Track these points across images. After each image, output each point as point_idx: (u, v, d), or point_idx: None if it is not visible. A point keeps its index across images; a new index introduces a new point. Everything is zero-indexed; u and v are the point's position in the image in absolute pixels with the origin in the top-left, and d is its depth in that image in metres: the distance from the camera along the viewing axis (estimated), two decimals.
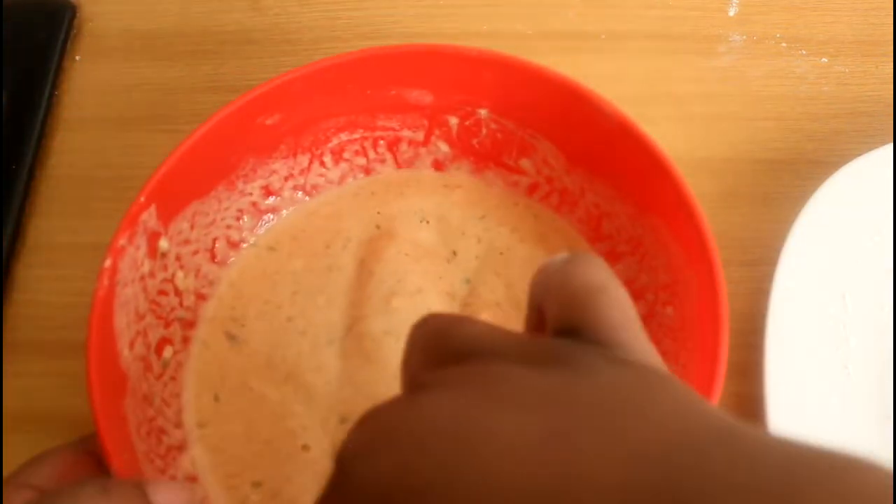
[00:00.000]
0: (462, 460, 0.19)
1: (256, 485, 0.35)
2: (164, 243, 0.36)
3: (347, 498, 0.20)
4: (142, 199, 0.34)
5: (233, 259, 0.40)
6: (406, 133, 0.41)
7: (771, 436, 0.18)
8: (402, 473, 0.19)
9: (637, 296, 0.38)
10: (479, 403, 0.20)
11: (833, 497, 0.16)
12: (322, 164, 0.41)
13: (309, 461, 0.36)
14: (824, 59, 0.47)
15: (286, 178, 0.40)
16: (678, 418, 0.19)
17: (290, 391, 0.37)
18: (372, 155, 0.41)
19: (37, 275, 0.42)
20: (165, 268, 0.37)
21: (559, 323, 0.23)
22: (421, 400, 0.21)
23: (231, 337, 0.38)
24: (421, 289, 0.38)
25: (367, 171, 0.42)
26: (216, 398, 0.37)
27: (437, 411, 0.20)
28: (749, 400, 0.38)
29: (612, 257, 0.39)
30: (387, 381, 0.37)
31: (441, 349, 0.24)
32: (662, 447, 0.17)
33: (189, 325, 0.38)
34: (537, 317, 0.25)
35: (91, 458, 0.31)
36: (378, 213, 0.41)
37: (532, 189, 0.41)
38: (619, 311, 0.23)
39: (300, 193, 0.41)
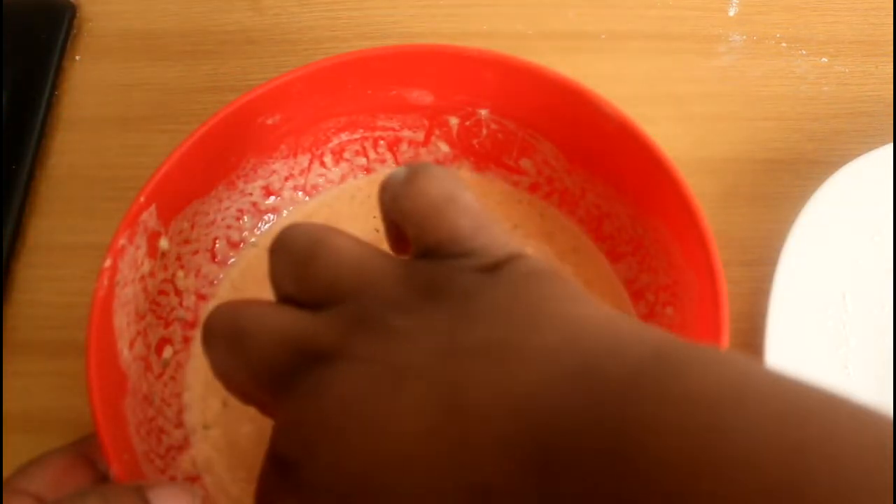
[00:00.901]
0: (382, 444, 0.20)
1: None
2: (164, 243, 0.36)
3: (307, 490, 0.21)
4: (142, 198, 0.34)
5: (233, 259, 0.40)
6: (406, 133, 0.41)
7: (621, 346, 0.19)
8: (337, 463, 0.20)
9: (637, 296, 0.38)
10: (379, 379, 0.21)
11: (660, 404, 0.17)
12: (322, 164, 0.41)
13: None
14: (824, 59, 0.47)
15: (286, 178, 0.40)
16: (549, 356, 0.19)
17: None
18: (372, 155, 0.41)
19: (37, 275, 0.42)
20: (165, 267, 0.37)
21: (417, 244, 0.24)
22: (327, 381, 0.21)
23: None
24: None
25: (368, 171, 0.42)
26: (225, 404, 0.37)
27: (345, 393, 0.21)
28: None
29: (612, 257, 0.39)
30: None
31: (311, 277, 0.24)
32: (526, 389, 0.19)
33: (189, 325, 0.38)
34: (396, 231, 0.26)
35: (87, 462, 0.31)
36: (375, 216, 0.41)
37: (532, 189, 0.41)
38: (470, 217, 0.23)
39: (300, 193, 0.41)
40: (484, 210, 0.24)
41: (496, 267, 0.22)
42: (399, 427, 0.20)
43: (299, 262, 0.24)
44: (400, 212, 0.24)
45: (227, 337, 0.24)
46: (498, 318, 0.21)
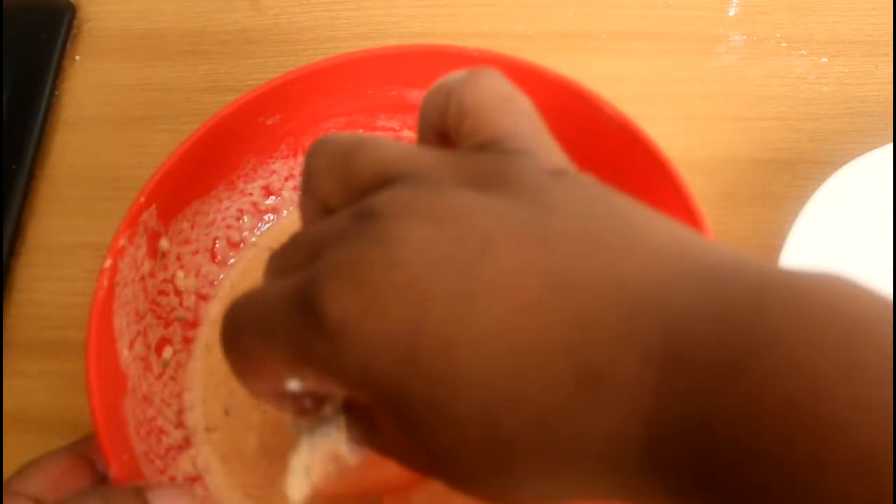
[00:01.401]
0: (473, 315, 0.18)
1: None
2: (164, 243, 0.36)
3: (355, 359, 0.19)
4: (142, 199, 0.34)
5: (233, 259, 0.40)
6: (406, 133, 0.41)
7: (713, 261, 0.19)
8: (416, 329, 0.19)
9: None
10: (461, 243, 0.19)
11: (790, 313, 0.16)
12: None
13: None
14: (824, 59, 0.47)
15: (286, 179, 0.40)
16: (669, 258, 0.19)
17: None
18: None
19: (37, 275, 0.42)
20: (165, 268, 0.37)
21: (474, 138, 0.22)
22: (394, 236, 0.19)
23: None
24: None
25: None
26: (226, 412, 0.37)
27: (421, 253, 0.19)
28: None
29: None
30: None
31: (354, 175, 0.22)
32: (647, 285, 0.18)
33: (189, 325, 0.38)
34: (435, 138, 0.24)
35: (86, 463, 0.31)
36: None
37: None
38: (530, 119, 0.23)
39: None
40: (540, 116, 0.23)
41: (562, 172, 0.21)
42: (493, 296, 0.18)
43: (342, 156, 0.22)
44: (457, 106, 0.23)
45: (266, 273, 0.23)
46: (586, 213, 0.20)
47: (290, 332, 0.20)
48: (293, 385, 0.21)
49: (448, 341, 0.18)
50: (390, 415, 0.19)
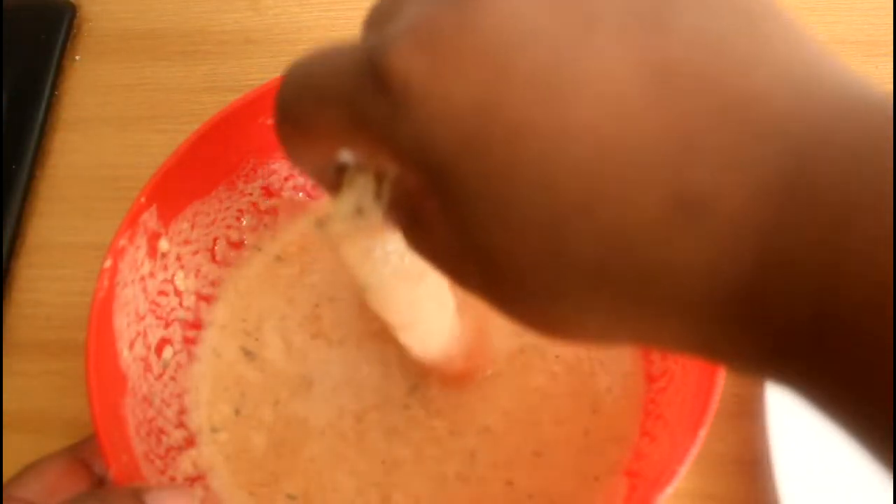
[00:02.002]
0: (557, 104, 0.16)
1: (292, 497, 0.35)
2: (164, 243, 0.36)
3: (414, 127, 0.17)
4: (142, 199, 0.34)
5: (234, 260, 0.40)
6: None
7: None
8: (487, 107, 0.16)
9: None
10: (560, 17, 0.16)
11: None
12: None
13: (373, 483, 0.35)
14: None
15: (286, 179, 0.40)
16: (803, 73, 0.16)
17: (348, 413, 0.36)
18: None
19: (37, 275, 0.42)
20: (165, 268, 0.37)
21: None
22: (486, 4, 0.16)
23: (247, 353, 0.38)
24: None
25: None
26: (237, 412, 0.37)
27: (510, 22, 0.16)
28: (748, 400, 0.38)
29: None
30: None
31: None
32: (772, 106, 0.15)
33: (189, 325, 0.38)
34: None
35: (83, 466, 0.31)
36: None
37: None
38: None
39: (301, 194, 0.41)
40: None
41: None
42: (586, 86, 0.16)
43: None
44: None
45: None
46: (714, 8, 0.16)
47: (350, 92, 0.18)
48: (345, 156, 0.20)
49: (521, 128, 0.16)
50: (440, 207, 0.17)
